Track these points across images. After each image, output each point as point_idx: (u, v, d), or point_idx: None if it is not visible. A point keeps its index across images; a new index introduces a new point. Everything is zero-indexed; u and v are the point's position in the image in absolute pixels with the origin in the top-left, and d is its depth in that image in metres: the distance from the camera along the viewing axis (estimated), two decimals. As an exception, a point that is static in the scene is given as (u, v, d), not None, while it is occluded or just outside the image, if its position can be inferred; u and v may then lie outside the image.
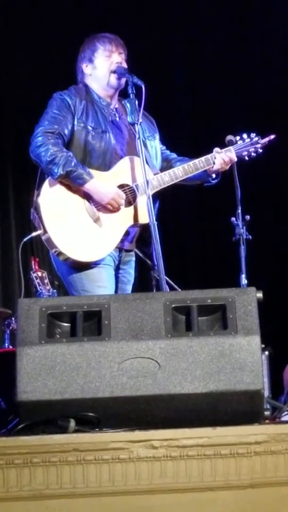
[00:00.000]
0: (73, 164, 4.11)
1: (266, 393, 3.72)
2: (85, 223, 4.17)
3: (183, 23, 7.38)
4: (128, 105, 4.38)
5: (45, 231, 4.13)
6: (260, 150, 4.52)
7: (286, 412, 3.26)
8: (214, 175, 4.41)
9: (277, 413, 3.23)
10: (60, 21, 7.30)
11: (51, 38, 7.27)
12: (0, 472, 2.61)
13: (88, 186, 4.15)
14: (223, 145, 4.45)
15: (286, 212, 7.22)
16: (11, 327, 6.00)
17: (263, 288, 2.91)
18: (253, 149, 4.50)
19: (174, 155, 4.53)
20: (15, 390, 2.77)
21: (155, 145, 4.44)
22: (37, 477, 2.62)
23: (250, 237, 4.71)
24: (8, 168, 7.39)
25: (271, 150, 4.65)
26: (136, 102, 4.25)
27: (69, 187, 4.18)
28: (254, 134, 4.51)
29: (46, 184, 4.17)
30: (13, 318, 5.92)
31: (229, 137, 4.52)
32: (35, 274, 5.99)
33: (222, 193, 4.69)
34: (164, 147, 4.53)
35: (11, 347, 5.85)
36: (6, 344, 5.99)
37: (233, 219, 4.72)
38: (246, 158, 4.51)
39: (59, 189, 4.17)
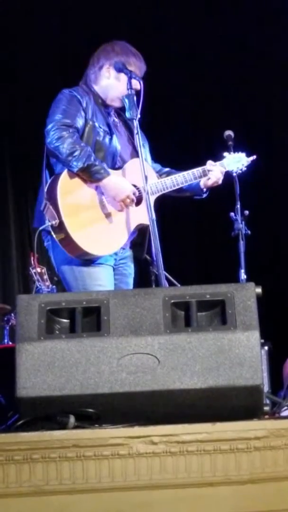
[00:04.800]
0: (92, 158, 4.13)
1: (266, 388, 3.73)
2: (98, 218, 4.18)
3: (182, 27, 7.38)
4: (126, 101, 4.38)
5: (61, 222, 4.11)
6: (245, 168, 4.59)
7: (285, 407, 3.26)
8: (205, 189, 4.47)
9: (276, 408, 3.24)
10: (60, 15, 7.31)
11: (50, 35, 7.27)
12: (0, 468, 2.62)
13: (106, 181, 4.16)
14: (222, 149, 4.51)
15: (285, 207, 7.22)
16: (10, 323, 6.02)
17: (262, 283, 2.91)
18: (241, 166, 4.57)
19: (159, 166, 4.56)
20: (14, 386, 2.77)
21: (146, 154, 4.45)
22: (37, 473, 2.62)
23: (249, 232, 4.72)
24: (6, 165, 7.39)
25: (271, 146, 4.66)
26: (135, 97, 4.25)
27: (84, 181, 4.18)
28: (240, 152, 4.59)
29: (64, 175, 4.15)
30: (12, 314, 5.93)
31: (228, 132, 4.55)
32: (34, 270, 5.99)
33: (221, 188, 4.69)
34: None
35: (10, 343, 5.85)
36: (6, 340, 6.00)
37: (232, 214, 4.74)
38: (234, 174, 4.59)
39: (76, 181, 4.17)
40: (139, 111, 4.22)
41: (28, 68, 7.27)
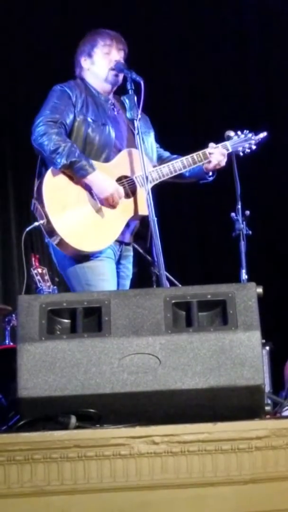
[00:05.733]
0: (76, 155, 4.11)
1: (267, 388, 3.73)
2: (87, 214, 4.16)
3: (182, 20, 7.39)
4: (127, 101, 4.38)
5: (48, 221, 4.11)
6: (254, 147, 4.57)
7: (286, 407, 3.26)
8: (210, 173, 4.42)
9: (277, 408, 3.24)
10: (59, 15, 7.31)
11: (49, 32, 7.27)
12: (1, 468, 2.62)
13: (90, 178, 4.14)
14: (222, 140, 4.47)
15: (286, 207, 7.22)
16: (11, 324, 6.02)
17: (263, 283, 2.91)
18: (247, 145, 4.54)
19: (168, 154, 4.54)
20: (15, 387, 2.77)
21: (151, 141, 4.44)
22: (38, 473, 2.62)
23: (250, 232, 4.71)
24: (7, 163, 7.39)
25: (271, 146, 4.66)
26: (135, 98, 4.25)
27: (71, 177, 4.17)
28: (248, 131, 4.55)
29: (49, 173, 4.15)
30: (13, 315, 5.93)
31: (228, 132, 4.54)
32: (35, 271, 5.99)
33: (222, 188, 4.69)
34: (158, 145, 4.54)
35: (11, 343, 5.85)
36: (7, 341, 6.00)
37: (233, 214, 4.73)
38: (241, 153, 4.55)
39: (62, 178, 4.16)
40: (139, 111, 4.21)
41: (28, 68, 7.27)
